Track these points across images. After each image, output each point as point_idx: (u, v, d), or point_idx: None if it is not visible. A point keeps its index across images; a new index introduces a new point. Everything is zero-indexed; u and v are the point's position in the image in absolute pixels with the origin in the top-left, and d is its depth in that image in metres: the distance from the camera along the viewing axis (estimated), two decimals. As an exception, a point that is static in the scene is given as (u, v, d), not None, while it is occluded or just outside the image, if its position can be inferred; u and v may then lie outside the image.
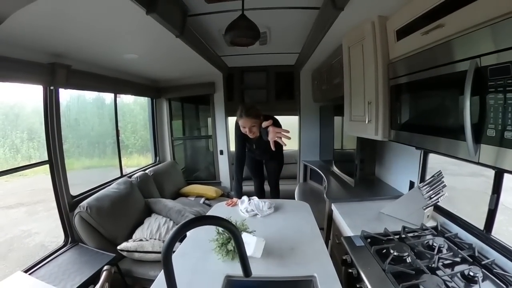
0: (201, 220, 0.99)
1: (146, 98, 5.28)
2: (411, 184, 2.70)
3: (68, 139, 3.60)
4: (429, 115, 1.61)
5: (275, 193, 4.15)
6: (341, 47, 2.82)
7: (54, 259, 2.70)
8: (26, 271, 2.45)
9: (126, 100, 5.01)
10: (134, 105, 5.35)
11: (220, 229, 1.86)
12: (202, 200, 4.59)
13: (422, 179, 2.51)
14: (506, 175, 1.68)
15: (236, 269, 1.69)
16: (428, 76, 1.57)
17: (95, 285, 2.45)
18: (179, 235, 0.91)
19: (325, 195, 3.02)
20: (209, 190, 4.84)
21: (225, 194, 5.15)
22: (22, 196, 4.25)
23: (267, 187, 4.23)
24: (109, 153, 4.15)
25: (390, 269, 1.58)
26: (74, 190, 3.13)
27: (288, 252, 1.87)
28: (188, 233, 3.12)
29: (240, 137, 3.20)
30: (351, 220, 2.32)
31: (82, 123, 3.90)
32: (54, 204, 2.94)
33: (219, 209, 2.82)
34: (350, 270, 1.76)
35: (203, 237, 2.07)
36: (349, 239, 1.99)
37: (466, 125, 1.19)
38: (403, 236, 1.98)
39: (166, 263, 0.93)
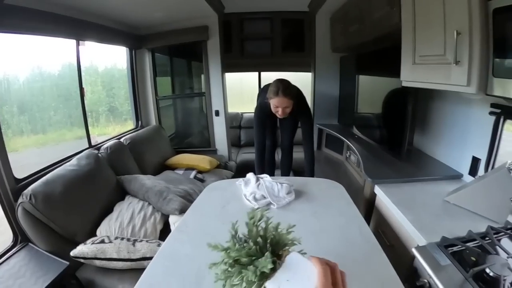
0: None
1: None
2: (474, 162, 2.06)
3: (60, 109, 3.47)
4: None
5: (289, 161, 3.48)
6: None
7: (4, 263, 2.06)
8: None
9: (120, 65, 4.59)
10: (119, 67, 4.82)
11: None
12: (193, 173, 3.80)
13: (495, 155, 1.88)
14: None
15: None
16: None
17: None
18: None
19: (361, 170, 2.46)
20: (202, 161, 4.04)
21: (221, 165, 4.40)
22: None
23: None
24: (102, 121, 3.92)
25: None
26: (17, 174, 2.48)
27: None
28: (176, 225, 2.44)
29: (263, 121, 2.94)
30: (413, 214, 1.67)
31: (74, 92, 3.45)
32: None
33: (213, 194, 2.01)
34: None
35: (184, 249, 1.40)
36: (425, 251, 1.31)
37: None
38: (490, 241, 1.36)
39: None
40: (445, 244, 1.33)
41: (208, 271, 1.08)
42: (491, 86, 1.40)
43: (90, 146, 3.37)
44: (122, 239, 2.20)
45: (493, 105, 1.80)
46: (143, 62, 4.61)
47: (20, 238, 2.26)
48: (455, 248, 1.33)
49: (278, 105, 2.59)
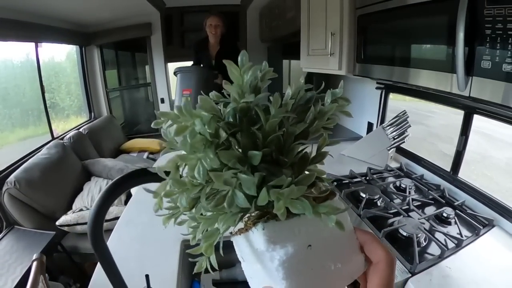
0: (134, 176, 0.61)
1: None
2: (369, 126, 2.66)
3: None
4: (404, 47, 1.51)
5: None
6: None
7: None
8: None
9: (58, 58, 4.52)
10: (66, 63, 4.79)
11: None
12: (146, 154, 4.25)
13: (382, 120, 2.47)
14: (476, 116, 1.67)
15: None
16: (404, 4, 1.40)
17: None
18: (107, 204, 0.59)
19: None
20: (152, 143, 4.49)
21: (171, 146, 4.77)
22: None
23: None
24: (45, 118, 3.75)
25: (366, 213, 1.54)
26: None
27: None
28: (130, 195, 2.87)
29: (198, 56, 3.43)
30: None
31: (12, 91, 3.50)
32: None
33: (166, 158, 2.47)
34: None
35: (148, 198, 1.78)
36: None
37: (458, 56, 1.07)
38: (370, 177, 1.96)
39: (96, 246, 0.62)
40: (330, 178, 1.95)
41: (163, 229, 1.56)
42: (356, 69, 1.94)
43: (53, 138, 3.68)
44: (98, 206, 2.65)
45: (378, 82, 2.34)
46: (92, 58, 4.81)
47: (5, 224, 2.56)
48: (342, 182, 1.92)
49: (211, 22, 3.10)
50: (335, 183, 1.90)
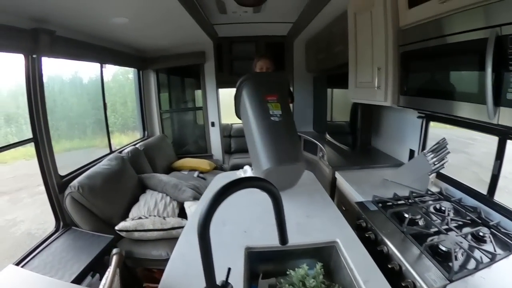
0: (238, 184, 0.83)
1: (126, 73, 5.14)
2: (411, 153, 2.77)
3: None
4: (442, 81, 1.68)
5: None
6: (344, 15, 2.88)
7: (47, 247, 2.48)
8: (17, 264, 2.25)
9: (105, 78, 4.63)
10: (112, 83, 5.06)
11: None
12: (196, 173, 4.46)
13: (423, 147, 2.58)
14: (509, 142, 1.78)
15: (255, 239, 1.61)
16: (443, 43, 1.60)
17: (95, 272, 2.32)
18: (216, 205, 0.80)
19: (327, 162, 3.15)
20: (203, 163, 4.73)
21: (218, 167, 5.04)
22: (3, 185, 3.94)
23: None
24: (89, 133, 4.01)
25: (409, 230, 1.66)
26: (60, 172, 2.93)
27: (304, 219, 1.83)
28: (190, 212, 3.07)
29: None
30: (359, 186, 2.36)
31: (60, 104, 3.69)
32: (37, 189, 2.75)
33: (222, 181, 2.63)
34: (367, 235, 1.79)
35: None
36: (362, 204, 2.05)
37: (487, 90, 1.27)
38: (412, 200, 2.06)
39: (202, 238, 0.83)
40: (376, 200, 2.04)
41: (230, 218, 1.85)
42: (400, 101, 2.12)
43: (111, 151, 3.97)
44: (155, 216, 2.85)
45: (420, 112, 2.48)
46: (148, 81, 5.21)
47: (62, 224, 2.77)
48: (385, 204, 2.03)
49: (262, 66, 3.01)
50: (380, 204, 2.01)
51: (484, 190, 1.93)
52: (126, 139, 5.06)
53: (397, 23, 2.07)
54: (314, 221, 1.80)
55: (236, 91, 2.25)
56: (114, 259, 1.68)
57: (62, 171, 2.93)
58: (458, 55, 1.51)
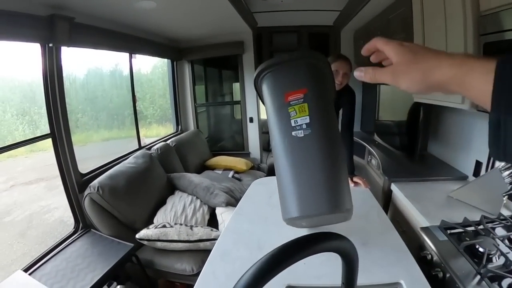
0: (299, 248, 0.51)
1: (165, 64, 4.88)
2: (477, 165, 2.33)
3: (87, 111, 3.57)
4: None
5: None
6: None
7: (62, 251, 2.28)
8: (30, 267, 2.10)
9: (143, 70, 4.82)
10: (151, 75, 5.15)
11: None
12: (231, 173, 4.12)
13: (493, 160, 2.17)
14: None
15: (298, 276, 1.27)
16: None
17: (110, 284, 2.10)
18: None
19: (379, 171, 2.80)
20: (239, 162, 4.37)
21: (255, 166, 4.70)
22: (42, 171, 4.28)
23: None
24: (128, 124, 3.97)
25: (487, 272, 1.30)
26: (94, 163, 2.91)
27: (360, 249, 1.40)
28: (222, 220, 2.77)
29: None
30: (422, 205, 1.97)
31: (100, 96, 3.81)
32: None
33: (260, 187, 2.36)
34: (434, 273, 1.44)
35: (245, 226, 1.72)
36: (428, 231, 1.66)
37: None
38: (482, 227, 1.66)
39: None
40: (444, 226, 1.65)
41: (267, 240, 1.51)
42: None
43: (140, 147, 3.73)
44: (181, 224, 2.53)
45: None
46: (183, 72, 4.93)
47: (81, 225, 2.59)
48: (453, 231, 1.64)
49: (339, 69, 2.36)
50: (448, 231, 1.65)
51: None
52: (164, 130, 5.09)
53: (477, 8, 1.66)
54: (372, 252, 1.43)
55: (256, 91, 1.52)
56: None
57: (98, 161, 2.93)
58: None
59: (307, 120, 1.26)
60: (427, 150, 3.10)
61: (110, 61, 3.77)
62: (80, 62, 3.34)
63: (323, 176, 1.23)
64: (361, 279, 1.16)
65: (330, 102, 1.39)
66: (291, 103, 1.29)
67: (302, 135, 1.26)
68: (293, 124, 1.27)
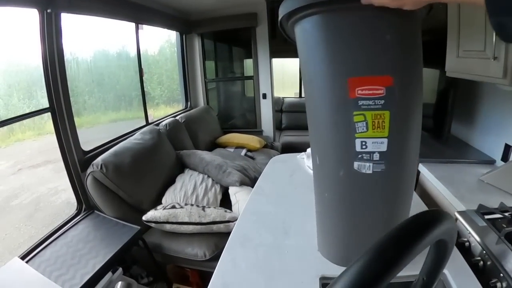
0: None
1: (173, 45, 4.71)
2: (506, 149, 2.17)
3: (94, 93, 3.48)
4: None
5: None
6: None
7: (63, 235, 2.12)
8: (28, 254, 1.95)
9: (151, 51, 4.59)
10: (158, 56, 4.95)
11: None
12: (244, 151, 3.93)
13: None
14: None
15: (331, 266, 1.08)
16: None
17: (114, 272, 1.90)
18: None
19: None
20: (252, 140, 4.18)
21: (268, 145, 4.49)
22: (49, 154, 4.18)
23: None
24: (136, 105, 3.92)
25: None
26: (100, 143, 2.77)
27: None
28: (236, 200, 2.56)
29: None
30: (454, 188, 1.84)
31: (107, 77, 3.69)
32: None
33: (278, 166, 2.15)
34: (474, 261, 1.28)
35: (266, 208, 1.52)
36: (465, 215, 1.52)
37: None
38: None
39: None
40: (482, 211, 1.49)
41: (293, 224, 1.34)
42: None
43: (147, 123, 3.55)
44: (192, 205, 2.33)
45: None
46: (193, 46, 4.71)
47: (84, 206, 2.42)
48: (490, 216, 1.46)
49: None
50: (486, 216, 1.47)
51: None
52: (171, 110, 4.86)
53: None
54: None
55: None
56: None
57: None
58: None
59: (384, 147, 0.78)
60: (450, 132, 2.91)
61: (117, 43, 3.65)
62: (87, 43, 3.18)
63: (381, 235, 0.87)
64: (403, 270, 0.97)
65: (420, 108, 0.90)
66: (359, 103, 0.75)
67: (371, 171, 0.80)
68: (358, 148, 0.79)
